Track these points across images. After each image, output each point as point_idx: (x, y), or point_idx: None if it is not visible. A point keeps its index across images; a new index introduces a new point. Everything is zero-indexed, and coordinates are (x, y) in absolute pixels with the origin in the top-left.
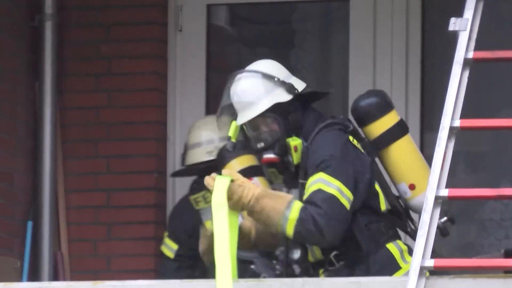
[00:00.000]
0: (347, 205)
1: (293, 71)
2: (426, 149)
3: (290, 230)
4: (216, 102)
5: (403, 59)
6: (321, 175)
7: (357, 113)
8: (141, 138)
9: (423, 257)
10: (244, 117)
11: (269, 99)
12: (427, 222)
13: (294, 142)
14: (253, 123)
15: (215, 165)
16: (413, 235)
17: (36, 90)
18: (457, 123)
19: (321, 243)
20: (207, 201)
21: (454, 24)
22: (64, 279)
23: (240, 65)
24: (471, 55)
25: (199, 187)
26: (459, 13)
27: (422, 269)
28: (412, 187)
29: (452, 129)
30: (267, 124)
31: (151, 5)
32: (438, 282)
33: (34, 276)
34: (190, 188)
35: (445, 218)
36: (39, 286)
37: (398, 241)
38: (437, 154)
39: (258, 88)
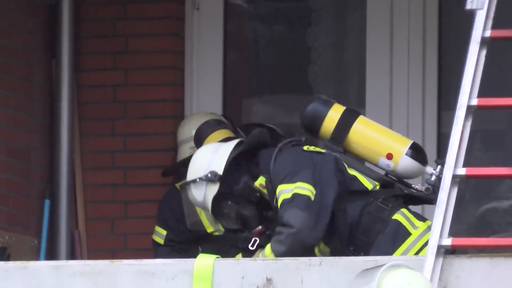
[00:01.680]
0: (310, 195)
1: (310, 49)
2: (443, 128)
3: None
4: (233, 79)
5: (420, 38)
6: (280, 188)
7: (305, 124)
8: (158, 116)
9: (440, 236)
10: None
11: (207, 201)
12: (445, 201)
13: (259, 181)
14: (216, 220)
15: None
16: (412, 196)
17: (53, 68)
18: (475, 101)
19: (306, 241)
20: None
21: (471, 2)
22: (81, 258)
23: (257, 42)
24: (488, 33)
25: (183, 174)
26: None
27: (440, 247)
28: (389, 156)
29: (469, 107)
30: (227, 212)
31: None
32: (456, 261)
33: (51, 254)
34: (176, 175)
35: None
36: (56, 264)
37: (403, 210)
38: (454, 133)
39: (196, 197)
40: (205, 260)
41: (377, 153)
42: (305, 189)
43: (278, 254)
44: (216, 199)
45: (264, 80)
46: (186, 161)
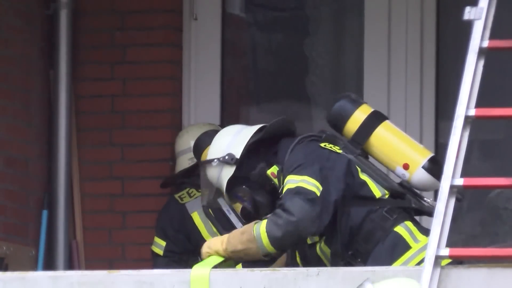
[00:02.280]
0: (316, 190)
1: (307, 58)
2: (441, 137)
3: (270, 247)
4: (231, 89)
5: (418, 49)
6: (288, 177)
7: (330, 121)
8: (156, 127)
9: (438, 246)
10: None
11: (221, 182)
12: (442, 212)
13: (271, 169)
14: (231, 201)
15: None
16: (421, 210)
17: (51, 78)
18: (472, 112)
19: (304, 233)
20: (191, 196)
21: (469, 13)
22: (79, 268)
23: (254, 51)
24: (486, 44)
25: (182, 185)
26: (474, 2)
27: (437, 258)
28: (406, 167)
29: (467, 118)
30: (242, 196)
31: None
32: (453, 271)
33: (49, 264)
34: (175, 186)
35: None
36: (54, 275)
37: (407, 222)
38: (452, 142)
39: (211, 177)
40: (201, 271)
41: (395, 161)
42: (311, 184)
43: (271, 237)
44: (231, 182)
45: (261, 88)
46: (185, 172)
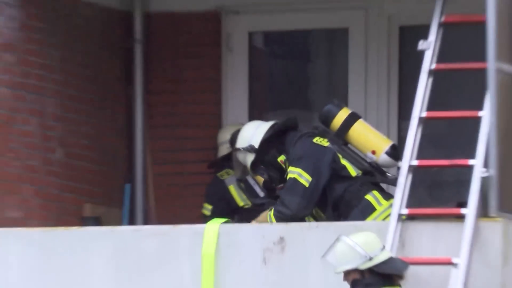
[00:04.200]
0: (306, 184)
1: (309, 78)
2: (402, 132)
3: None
4: (255, 99)
5: (386, 70)
6: (290, 168)
7: (321, 119)
8: (204, 126)
9: (400, 207)
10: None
11: (247, 164)
12: (403, 183)
13: (280, 158)
14: (254, 176)
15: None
16: (388, 182)
17: (130, 92)
18: (424, 114)
19: (300, 216)
20: (229, 174)
21: (422, 44)
22: (152, 224)
23: (272, 73)
24: (433, 66)
25: (222, 166)
26: (426, 36)
27: (400, 215)
28: (373, 152)
29: (420, 118)
30: (262, 172)
31: (210, 32)
32: (410, 224)
33: (131, 222)
34: (217, 167)
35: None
36: (135, 228)
37: (374, 192)
38: (409, 136)
39: (240, 160)
40: (224, 225)
41: (366, 148)
42: (303, 178)
43: (277, 221)
44: (254, 163)
45: (276, 99)
46: (224, 157)
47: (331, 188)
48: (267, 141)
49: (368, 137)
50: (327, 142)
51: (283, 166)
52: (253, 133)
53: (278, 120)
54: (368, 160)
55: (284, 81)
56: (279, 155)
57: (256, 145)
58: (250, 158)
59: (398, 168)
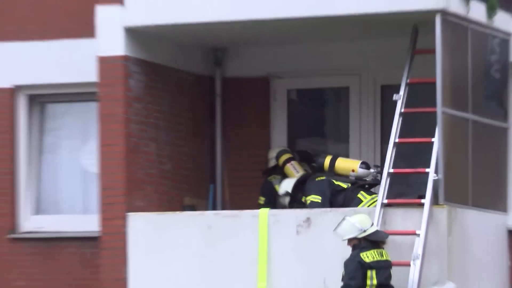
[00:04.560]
0: (318, 200)
1: (325, 119)
2: (384, 152)
3: None
4: (292, 131)
5: (372, 114)
6: (307, 197)
7: (318, 166)
8: (260, 147)
9: (382, 198)
10: None
11: (287, 201)
12: (384, 184)
13: (303, 198)
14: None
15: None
16: (368, 184)
17: (214, 126)
18: (397, 139)
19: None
20: (275, 178)
21: (395, 97)
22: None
23: (301, 116)
24: (402, 110)
25: (270, 174)
26: (397, 91)
27: (382, 204)
28: (353, 170)
29: (395, 143)
30: (292, 205)
31: (263, 89)
32: (389, 210)
33: (214, 209)
34: (267, 174)
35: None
36: (215, 212)
37: (361, 191)
38: (388, 154)
39: (284, 199)
40: (271, 210)
41: (348, 170)
42: (316, 198)
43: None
44: (290, 201)
45: (303, 131)
46: (272, 168)
47: (335, 199)
48: (297, 187)
49: (346, 165)
50: (323, 176)
51: (304, 199)
52: (288, 184)
53: (306, 146)
54: (352, 176)
55: (308, 120)
56: (303, 195)
57: (290, 191)
58: (287, 199)
59: (373, 174)
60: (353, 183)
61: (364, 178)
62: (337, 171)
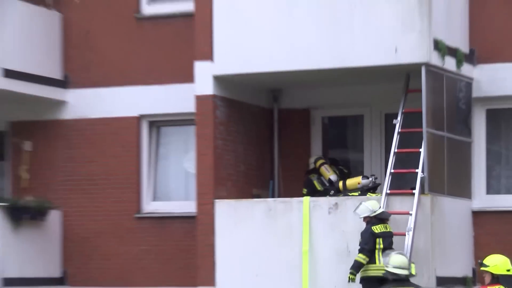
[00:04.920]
0: None
1: (347, 136)
2: (387, 159)
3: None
4: (325, 146)
5: (379, 134)
6: None
7: (336, 188)
8: (303, 155)
9: (386, 189)
10: None
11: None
12: (387, 180)
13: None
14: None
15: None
16: (372, 188)
17: (273, 141)
18: (396, 150)
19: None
20: (313, 176)
21: (394, 121)
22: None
23: (331, 134)
24: (400, 130)
25: (310, 173)
26: (395, 117)
27: (386, 194)
28: (358, 183)
29: (394, 153)
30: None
31: (306, 116)
32: (391, 197)
33: (273, 197)
34: (308, 173)
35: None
36: (274, 199)
37: (368, 193)
38: (390, 160)
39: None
40: (311, 198)
41: (355, 184)
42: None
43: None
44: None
45: (333, 144)
46: (311, 169)
47: None
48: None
49: (353, 181)
50: (341, 195)
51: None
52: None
53: (333, 153)
54: (359, 186)
55: (336, 137)
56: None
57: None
58: (331, 192)
59: (371, 181)
60: (361, 191)
61: (368, 185)
62: (348, 187)
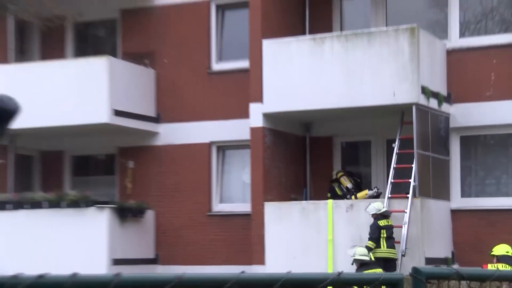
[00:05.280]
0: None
1: (359, 156)
2: (388, 172)
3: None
4: (344, 164)
5: (382, 155)
6: None
7: (350, 200)
8: (328, 169)
9: (388, 194)
10: None
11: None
12: (389, 187)
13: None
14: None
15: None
16: (376, 197)
17: (305, 159)
18: (395, 165)
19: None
20: (334, 184)
21: (393, 145)
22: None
23: (348, 156)
24: (397, 151)
25: (333, 182)
26: (395, 142)
27: (388, 197)
28: (366, 194)
29: (394, 168)
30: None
31: (329, 142)
32: (392, 200)
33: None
34: (331, 182)
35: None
36: (307, 202)
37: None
38: (390, 174)
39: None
40: (334, 200)
41: (364, 196)
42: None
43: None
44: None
45: (350, 162)
46: (333, 179)
47: None
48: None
49: (361, 194)
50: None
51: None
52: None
53: (350, 167)
54: (367, 197)
55: (351, 156)
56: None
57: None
58: (348, 197)
59: (375, 191)
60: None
61: (373, 195)
62: (358, 198)
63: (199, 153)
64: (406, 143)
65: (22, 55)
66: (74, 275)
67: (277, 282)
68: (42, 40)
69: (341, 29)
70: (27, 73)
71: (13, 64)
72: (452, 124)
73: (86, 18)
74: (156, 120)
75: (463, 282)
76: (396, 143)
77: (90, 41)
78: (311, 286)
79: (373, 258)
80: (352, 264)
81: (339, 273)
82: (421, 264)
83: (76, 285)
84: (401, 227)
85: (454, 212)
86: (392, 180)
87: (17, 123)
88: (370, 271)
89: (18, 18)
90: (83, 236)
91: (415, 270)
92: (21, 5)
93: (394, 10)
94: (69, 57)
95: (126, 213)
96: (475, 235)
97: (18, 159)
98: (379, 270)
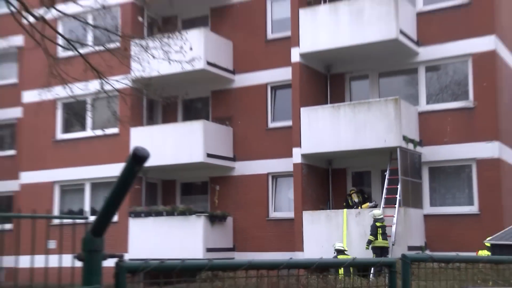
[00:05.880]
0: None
1: (364, 177)
2: (382, 190)
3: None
4: (354, 184)
5: (378, 178)
6: None
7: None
8: (344, 188)
9: (383, 205)
10: None
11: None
12: (383, 201)
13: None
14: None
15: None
16: (374, 206)
17: (328, 183)
18: (386, 186)
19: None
20: (348, 198)
21: (385, 173)
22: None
23: (356, 180)
24: (388, 177)
25: (347, 197)
26: (386, 172)
27: (383, 207)
28: (367, 206)
29: (386, 188)
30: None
31: (342, 172)
32: (386, 209)
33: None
34: (346, 196)
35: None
36: (330, 210)
37: (373, 210)
38: (384, 191)
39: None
40: (347, 209)
41: (367, 207)
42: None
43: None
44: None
45: (358, 184)
46: (347, 195)
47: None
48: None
49: (365, 205)
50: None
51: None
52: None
53: (358, 186)
54: (369, 207)
55: (358, 179)
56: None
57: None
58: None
59: (373, 203)
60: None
61: (373, 206)
62: (363, 208)
63: (260, 180)
64: (394, 172)
65: (151, 120)
66: (183, 260)
67: (313, 265)
68: (163, 110)
69: (350, 100)
70: (154, 132)
71: (145, 126)
72: (423, 159)
73: (190, 96)
74: (233, 159)
75: (435, 264)
76: (387, 172)
77: (193, 110)
78: (335, 267)
79: (376, 244)
80: (334, 252)
81: (354, 258)
82: (405, 251)
83: (185, 267)
84: (391, 226)
85: (426, 216)
86: (385, 196)
87: (147, 163)
88: (341, 256)
89: (148, 97)
90: (188, 234)
91: (404, 256)
92: (151, 89)
93: (384, 87)
94: (179, 121)
95: (214, 219)
96: (439, 231)
97: (147, 185)
98: (347, 257)
